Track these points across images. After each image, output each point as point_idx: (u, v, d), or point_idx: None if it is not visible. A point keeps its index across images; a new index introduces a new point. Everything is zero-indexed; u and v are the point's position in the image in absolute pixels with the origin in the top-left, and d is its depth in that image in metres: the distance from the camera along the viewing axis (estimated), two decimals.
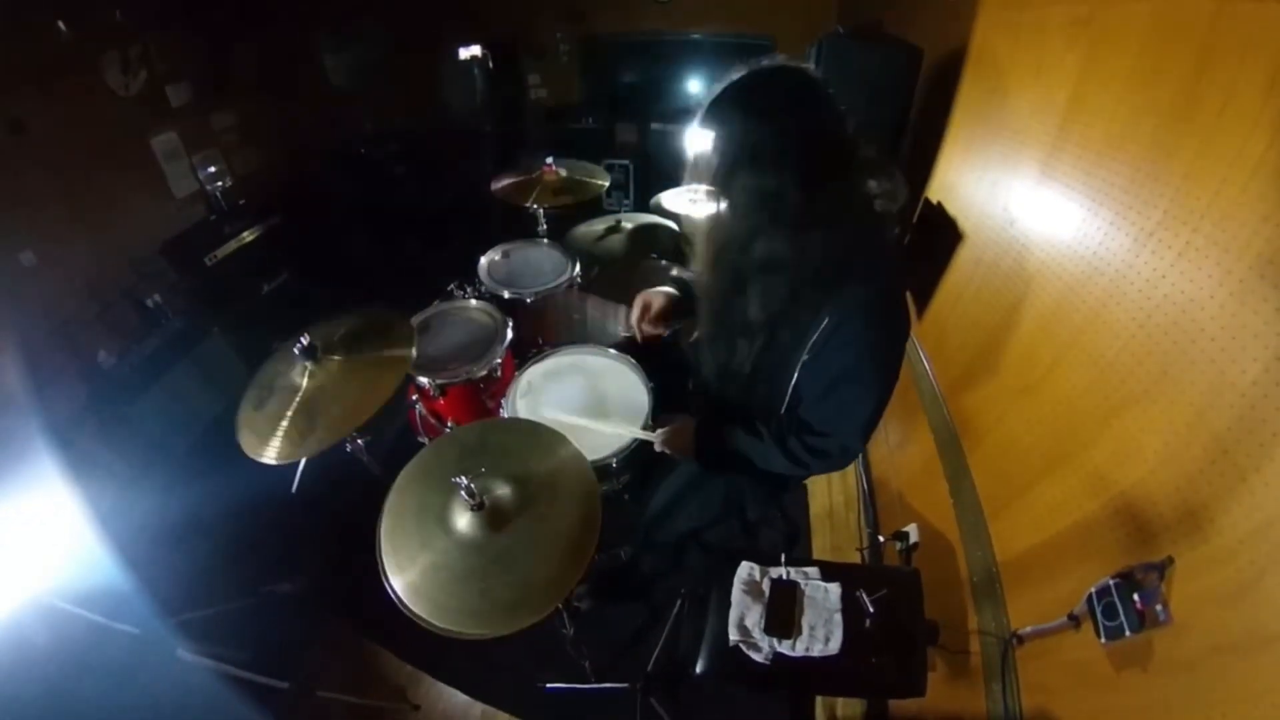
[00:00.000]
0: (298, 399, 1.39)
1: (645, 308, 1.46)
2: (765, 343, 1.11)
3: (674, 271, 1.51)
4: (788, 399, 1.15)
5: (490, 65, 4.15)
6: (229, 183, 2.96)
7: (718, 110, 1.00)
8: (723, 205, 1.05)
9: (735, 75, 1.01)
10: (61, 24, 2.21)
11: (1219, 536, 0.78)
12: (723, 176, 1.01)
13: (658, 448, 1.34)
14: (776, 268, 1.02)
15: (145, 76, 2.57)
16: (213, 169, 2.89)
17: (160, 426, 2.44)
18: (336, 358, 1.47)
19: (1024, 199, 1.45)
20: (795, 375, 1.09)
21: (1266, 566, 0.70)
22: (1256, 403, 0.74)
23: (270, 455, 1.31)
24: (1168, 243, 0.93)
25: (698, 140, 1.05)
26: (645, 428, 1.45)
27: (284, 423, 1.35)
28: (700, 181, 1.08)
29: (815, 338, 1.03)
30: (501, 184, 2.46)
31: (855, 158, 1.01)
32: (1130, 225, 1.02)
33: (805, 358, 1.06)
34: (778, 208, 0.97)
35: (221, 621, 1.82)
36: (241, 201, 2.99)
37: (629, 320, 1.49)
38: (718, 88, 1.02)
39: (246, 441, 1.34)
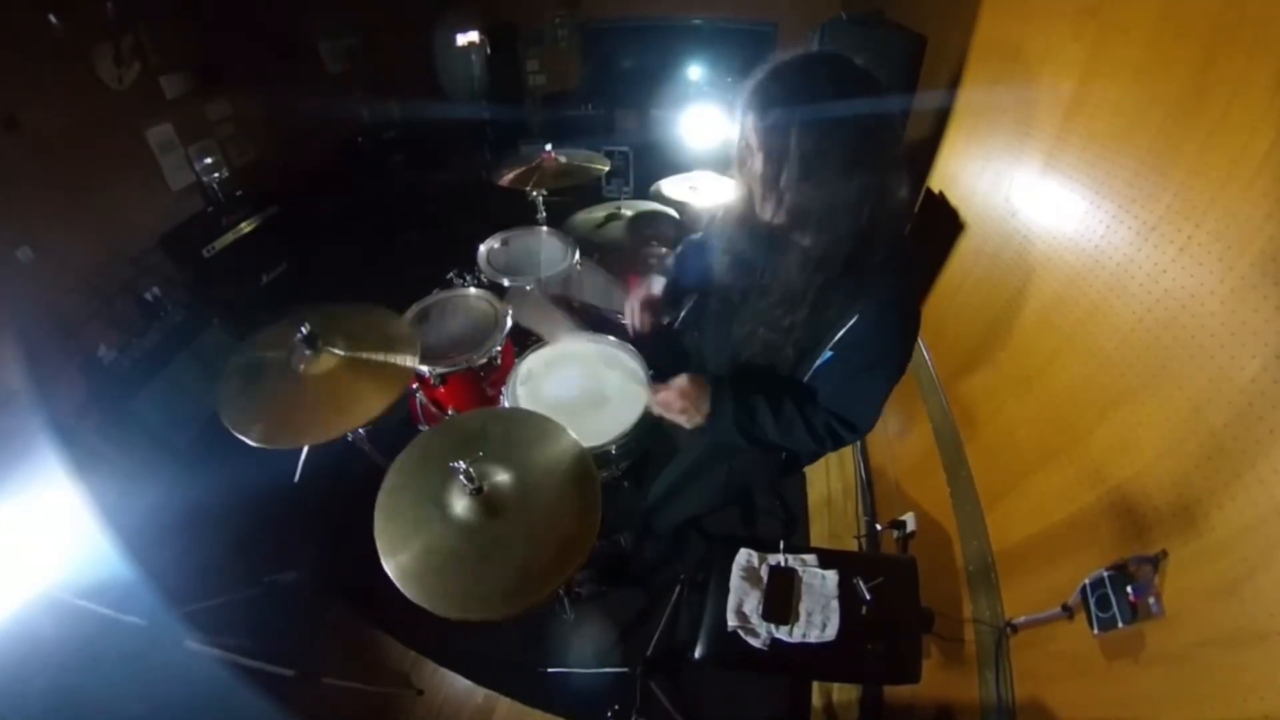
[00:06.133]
0: (289, 388, 1.38)
1: (645, 300, 1.39)
2: (791, 335, 1.07)
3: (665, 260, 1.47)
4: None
5: (488, 51, 4.10)
6: (226, 174, 2.93)
7: (774, 95, 0.89)
8: (760, 195, 0.98)
9: (791, 58, 0.91)
10: (52, 17, 2.17)
11: (1212, 532, 0.78)
12: (772, 169, 0.92)
13: (654, 400, 1.20)
14: (812, 263, 0.98)
15: (139, 68, 2.54)
16: (209, 160, 2.86)
17: (162, 419, 2.45)
18: (337, 351, 1.46)
19: (1027, 190, 1.44)
20: (815, 367, 1.08)
21: (1258, 563, 0.71)
22: (1254, 400, 0.74)
23: (253, 439, 1.27)
24: (1170, 237, 0.92)
25: (734, 126, 0.96)
26: (644, 412, 1.45)
27: (271, 409, 1.33)
28: (742, 171, 1.00)
29: (843, 334, 1.00)
30: (504, 178, 2.43)
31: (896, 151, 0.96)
32: (1133, 219, 1.01)
33: (829, 354, 1.04)
34: (830, 204, 0.90)
35: (227, 611, 1.84)
36: (239, 192, 2.97)
37: (628, 312, 1.45)
38: (772, 70, 0.91)
39: (234, 421, 1.29)
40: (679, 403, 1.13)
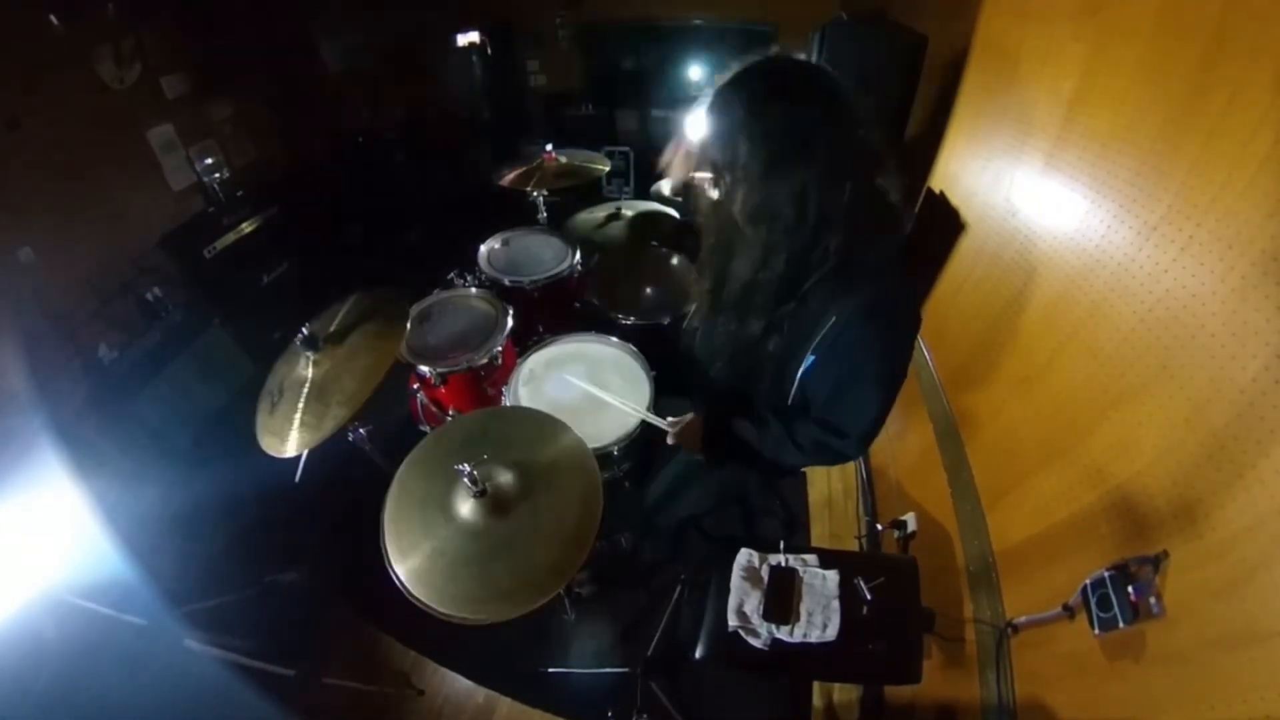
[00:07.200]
0: (306, 390, 1.40)
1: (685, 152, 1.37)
2: (770, 340, 1.08)
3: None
4: (792, 397, 1.12)
5: (488, 52, 4.09)
6: (226, 174, 2.93)
7: (736, 96, 0.92)
8: (731, 196, 0.99)
9: (752, 61, 0.94)
10: (53, 18, 2.18)
11: (1213, 532, 0.78)
12: (738, 169, 0.94)
13: (670, 440, 1.33)
14: (786, 267, 0.98)
15: (139, 69, 2.54)
16: (210, 160, 2.86)
17: (163, 419, 2.45)
18: (338, 344, 1.47)
19: (1027, 190, 1.44)
20: (799, 374, 1.07)
21: (1259, 563, 0.71)
22: (1255, 400, 0.74)
23: (291, 449, 1.32)
24: (1171, 237, 0.92)
25: (703, 127, 0.98)
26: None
27: (297, 416, 1.35)
28: (708, 171, 1.02)
29: (821, 337, 0.99)
30: (504, 178, 2.43)
31: (874, 154, 0.96)
32: (1134, 218, 1.01)
33: (811, 358, 1.03)
34: (793, 207, 0.91)
35: (228, 611, 1.84)
36: (239, 193, 2.97)
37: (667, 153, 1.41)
38: (736, 72, 0.94)
39: (270, 445, 1.35)
40: (682, 444, 1.31)
